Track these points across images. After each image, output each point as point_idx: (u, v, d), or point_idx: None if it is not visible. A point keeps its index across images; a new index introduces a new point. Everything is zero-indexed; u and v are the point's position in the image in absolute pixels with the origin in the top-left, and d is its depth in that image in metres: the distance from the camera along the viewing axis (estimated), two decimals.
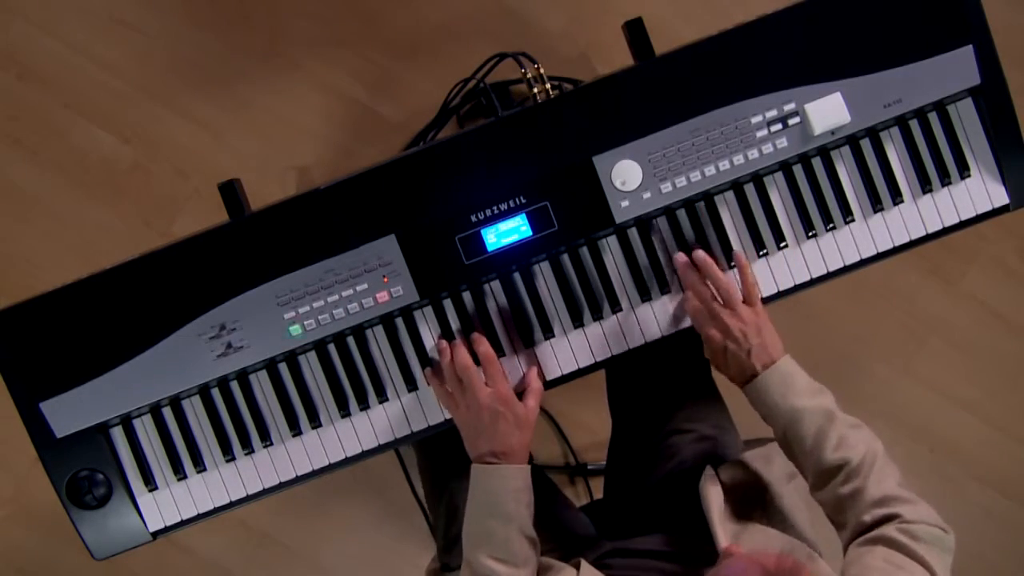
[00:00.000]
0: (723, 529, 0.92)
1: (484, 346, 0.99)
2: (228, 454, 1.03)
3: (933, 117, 1.07)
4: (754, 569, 0.73)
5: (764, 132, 1.02)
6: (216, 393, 1.03)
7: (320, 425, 1.04)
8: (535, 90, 1.16)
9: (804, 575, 0.72)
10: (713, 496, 0.96)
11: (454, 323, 1.04)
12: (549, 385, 1.04)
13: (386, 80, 1.71)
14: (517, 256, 1.02)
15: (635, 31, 1.09)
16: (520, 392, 1.01)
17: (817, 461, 0.92)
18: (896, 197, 1.06)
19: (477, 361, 0.99)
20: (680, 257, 1.02)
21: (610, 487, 1.26)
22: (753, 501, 1.01)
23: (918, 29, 1.03)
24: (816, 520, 1.01)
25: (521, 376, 1.03)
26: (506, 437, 0.95)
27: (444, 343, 1.01)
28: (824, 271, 1.06)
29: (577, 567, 0.93)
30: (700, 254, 1.01)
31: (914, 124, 1.07)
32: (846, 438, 0.91)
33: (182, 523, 1.04)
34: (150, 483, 1.03)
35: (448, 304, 1.04)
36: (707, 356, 1.01)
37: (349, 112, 1.71)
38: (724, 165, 1.02)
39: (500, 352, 1.03)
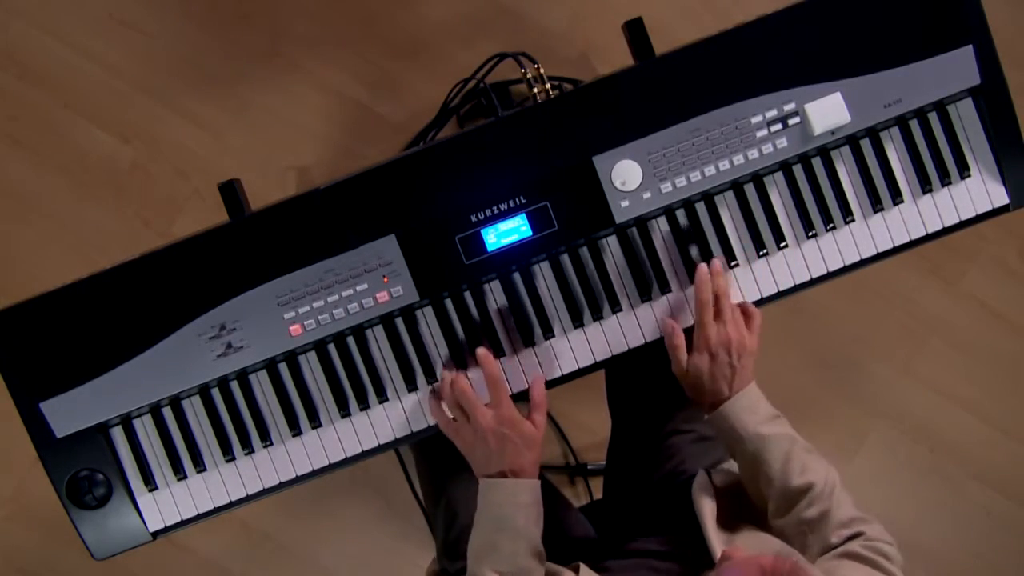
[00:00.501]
0: (716, 536, 0.92)
1: (490, 367, 0.97)
2: (228, 454, 1.03)
3: (933, 117, 1.07)
4: (752, 569, 0.73)
5: (764, 132, 1.02)
6: (216, 393, 1.03)
7: (320, 425, 1.03)
8: (535, 90, 1.16)
9: None
10: (706, 503, 0.97)
11: (455, 323, 1.03)
12: (549, 385, 1.04)
13: (386, 80, 1.71)
14: (517, 256, 1.02)
15: (635, 31, 1.09)
16: (520, 395, 1.01)
17: (783, 486, 0.93)
18: (896, 197, 1.06)
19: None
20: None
21: (610, 487, 1.26)
22: (749, 504, 1.00)
23: (918, 29, 1.03)
24: None
25: (523, 382, 1.03)
26: (515, 458, 0.94)
27: (447, 373, 1.00)
28: (824, 271, 1.06)
29: (576, 571, 0.92)
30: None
31: (914, 124, 1.07)
32: (808, 463, 0.94)
33: (182, 523, 1.04)
34: (150, 483, 1.03)
35: (448, 304, 1.04)
36: (675, 370, 1.01)
37: (349, 112, 1.71)
38: (724, 165, 1.02)
39: (500, 352, 1.03)
